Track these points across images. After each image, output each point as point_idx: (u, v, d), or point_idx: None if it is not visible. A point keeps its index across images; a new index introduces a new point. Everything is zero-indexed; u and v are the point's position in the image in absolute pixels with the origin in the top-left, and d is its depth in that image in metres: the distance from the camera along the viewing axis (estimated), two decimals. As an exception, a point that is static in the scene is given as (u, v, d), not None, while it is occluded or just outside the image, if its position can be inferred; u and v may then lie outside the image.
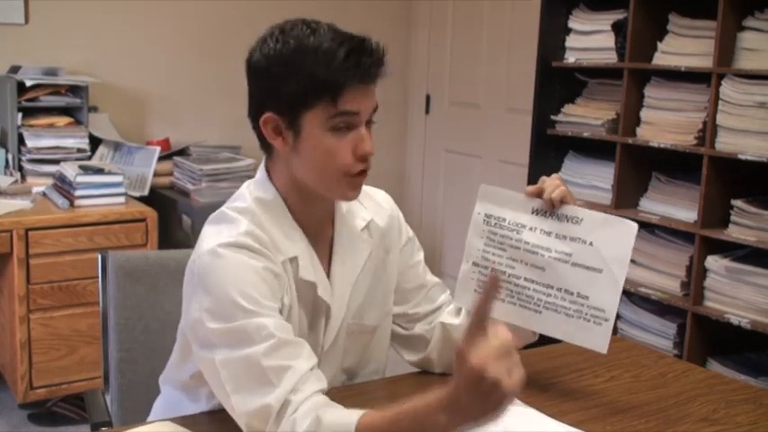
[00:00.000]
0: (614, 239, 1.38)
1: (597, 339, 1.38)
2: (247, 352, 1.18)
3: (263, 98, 1.30)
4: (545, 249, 1.41)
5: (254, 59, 1.30)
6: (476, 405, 1.02)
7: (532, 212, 1.43)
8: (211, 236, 1.29)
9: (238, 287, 1.22)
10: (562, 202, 1.40)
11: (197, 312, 1.24)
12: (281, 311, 1.27)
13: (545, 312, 1.41)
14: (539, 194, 1.42)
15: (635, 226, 1.39)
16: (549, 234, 1.41)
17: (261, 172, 1.39)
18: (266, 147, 1.35)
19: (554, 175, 1.44)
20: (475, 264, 1.47)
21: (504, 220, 1.44)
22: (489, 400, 1.00)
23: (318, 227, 1.40)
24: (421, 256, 1.57)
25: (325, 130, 1.26)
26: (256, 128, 1.33)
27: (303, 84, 1.24)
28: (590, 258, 1.38)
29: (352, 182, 1.31)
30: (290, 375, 1.17)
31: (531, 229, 1.42)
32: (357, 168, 1.29)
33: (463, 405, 1.03)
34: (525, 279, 1.42)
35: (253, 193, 1.36)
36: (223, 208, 1.36)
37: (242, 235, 1.27)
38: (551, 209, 1.41)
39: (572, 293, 1.39)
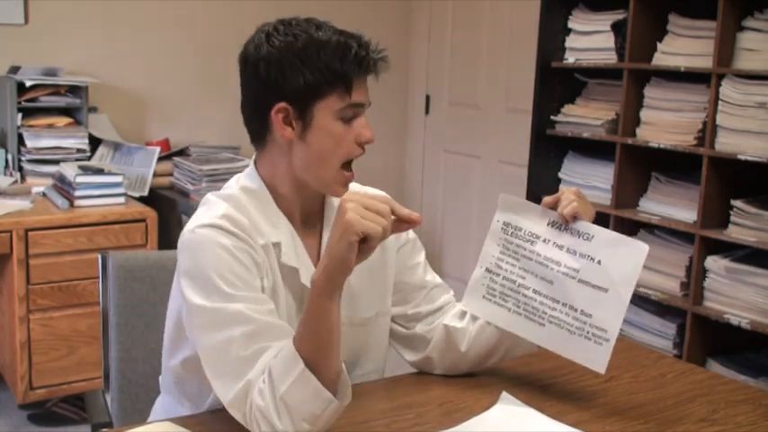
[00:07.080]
0: (623, 260, 1.37)
1: (596, 359, 1.38)
2: (226, 336, 1.24)
3: (274, 89, 1.33)
4: (555, 263, 1.41)
5: (262, 52, 1.33)
6: (334, 238, 1.16)
7: (548, 224, 1.43)
8: (193, 218, 1.36)
9: (214, 266, 1.28)
10: (574, 217, 1.40)
11: (182, 291, 1.31)
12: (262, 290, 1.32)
13: (548, 326, 1.41)
14: (554, 207, 1.43)
15: (646, 248, 1.37)
16: (561, 248, 1.41)
17: (250, 166, 1.44)
18: (259, 139, 1.39)
19: (572, 188, 1.45)
20: (488, 270, 1.48)
21: (521, 229, 1.45)
22: (338, 226, 1.16)
23: (307, 218, 1.43)
24: (422, 257, 1.57)
25: (336, 118, 1.33)
26: (254, 121, 1.38)
27: (318, 75, 1.30)
28: (597, 276, 1.38)
29: (345, 178, 1.38)
30: (265, 357, 1.23)
31: (544, 241, 1.43)
32: (357, 153, 1.37)
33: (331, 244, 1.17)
34: (534, 291, 1.43)
35: (240, 182, 1.42)
36: (208, 194, 1.42)
37: (218, 217, 1.32)
38: (565, 223, 1.42)
39: (576, 310, 1.39)
